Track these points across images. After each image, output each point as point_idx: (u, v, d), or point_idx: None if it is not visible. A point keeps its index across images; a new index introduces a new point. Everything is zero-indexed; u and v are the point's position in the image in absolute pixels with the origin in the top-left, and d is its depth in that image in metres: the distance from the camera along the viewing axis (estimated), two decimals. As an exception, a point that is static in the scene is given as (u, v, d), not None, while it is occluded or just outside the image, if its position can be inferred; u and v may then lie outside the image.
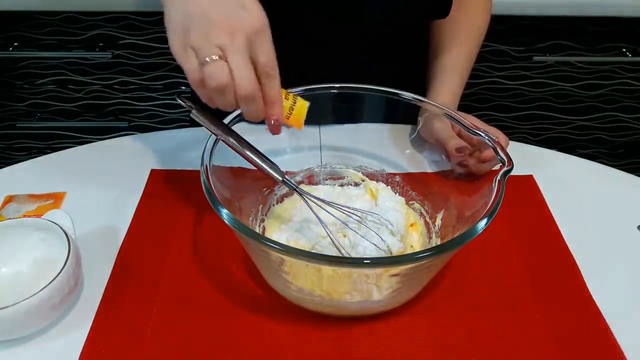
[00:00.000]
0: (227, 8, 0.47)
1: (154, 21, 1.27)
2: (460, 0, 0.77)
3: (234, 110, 0.60)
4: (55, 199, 0.68)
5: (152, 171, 0.73)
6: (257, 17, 0.48)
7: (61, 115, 1.42)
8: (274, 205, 0.65)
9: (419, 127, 0.67)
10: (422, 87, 0.80)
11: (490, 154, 0.58)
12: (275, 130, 0.54)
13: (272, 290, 0.56)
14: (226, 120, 0.57)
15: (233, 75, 0.47)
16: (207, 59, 0.47)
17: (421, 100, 0.64)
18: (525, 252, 0.63)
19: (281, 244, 0.47)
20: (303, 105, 0.55)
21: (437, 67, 0.80)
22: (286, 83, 0.54)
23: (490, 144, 0.58)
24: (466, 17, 0.81)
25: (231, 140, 0.54)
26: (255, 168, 0.56)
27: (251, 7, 0.48)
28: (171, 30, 0.49)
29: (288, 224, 0.61)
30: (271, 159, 0.56)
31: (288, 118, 0.55)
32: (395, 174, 0.68)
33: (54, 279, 0.50)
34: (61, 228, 0.55)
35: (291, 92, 0.55)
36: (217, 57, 0.46)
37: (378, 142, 0.57)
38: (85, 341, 0.52)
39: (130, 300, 0.56)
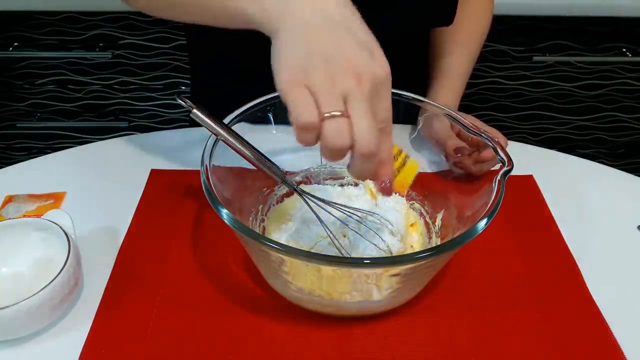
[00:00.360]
0: (354, 51, 0.43)
1: (154, 21, 1.27)
2: (462, 1, 0.77)
3: (236, 109, 0.60)
4: (55, 199, 0.68)
5: (152, 171, 0.73)
6: (384, 66, 0.44)
7: (61, 115, 1.43)
8: (274, 205, 0.65)
9: (419, 127, 0.67)
10: (422, 87, 0.80)
11: (490, 154, 0.58)
12: (386, 191, 0.47)
13: (272, 290, 0.56)
14: (226, 120, 0.57)
15: (355, 130, 0.41)
16: (328, 113, 0.41)
17: (421, 100, 0.64)
18: (525, 252, 0.63)
19: (281, 244, 0.47)
20: (413, 168, 0.49)
21: (438, 69, 0.80)
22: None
23: (490, 144, 0.58)
24: (468, 18, 0.81)
25: (231, 140, 0.54)
26: (255, 168, 0.56)
27: (378, 55, 0.44)
28: (282, 66, 0.43)
29: (288, 224, 0.61)
30: (271, 159, 0.56)
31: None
32: (395, 174, 0.68)
33: (54, 279, 0.50)
34: (61, 228, 0.55)
35: (403, 152, 0.49)
36: (339, 113, 0.41)
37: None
38: (85, 341, 0.52)
39: (130, 300, 0.56)
